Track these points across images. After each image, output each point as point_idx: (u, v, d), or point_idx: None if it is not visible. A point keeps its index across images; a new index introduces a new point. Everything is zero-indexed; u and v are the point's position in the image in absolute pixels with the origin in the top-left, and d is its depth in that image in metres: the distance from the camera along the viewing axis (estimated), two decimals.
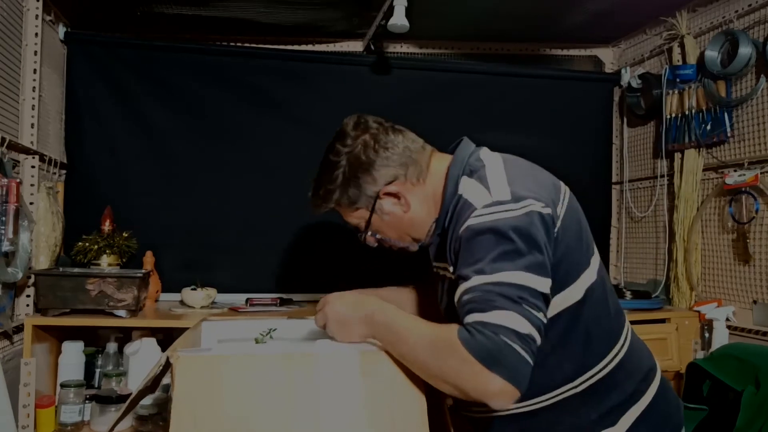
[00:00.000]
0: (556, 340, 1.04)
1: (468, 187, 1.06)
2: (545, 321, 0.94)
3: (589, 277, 1.07)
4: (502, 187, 1.02)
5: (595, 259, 1.10)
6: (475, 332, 0.89)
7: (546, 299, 0.96)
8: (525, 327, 0.89)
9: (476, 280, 0.94)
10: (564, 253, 1.02)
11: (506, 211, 0.98)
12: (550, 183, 1.08)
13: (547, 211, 1.00)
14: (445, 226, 1.11)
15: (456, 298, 0.97)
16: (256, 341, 1.26)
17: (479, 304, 0.91)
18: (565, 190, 1.10)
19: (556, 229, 1.01)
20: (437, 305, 1.20)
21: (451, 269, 1.06)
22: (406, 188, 1.14)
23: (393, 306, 1.05)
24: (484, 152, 1.15)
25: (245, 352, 0.99)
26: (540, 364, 1.01)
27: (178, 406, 0.90)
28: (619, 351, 1.11)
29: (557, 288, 1.01)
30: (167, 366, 0.93)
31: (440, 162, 1.17)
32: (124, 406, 1.04)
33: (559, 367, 1.06)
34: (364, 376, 0.95)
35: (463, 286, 0.96)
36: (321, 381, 0.94)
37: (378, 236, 1.20)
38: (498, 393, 0.87)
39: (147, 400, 1.73)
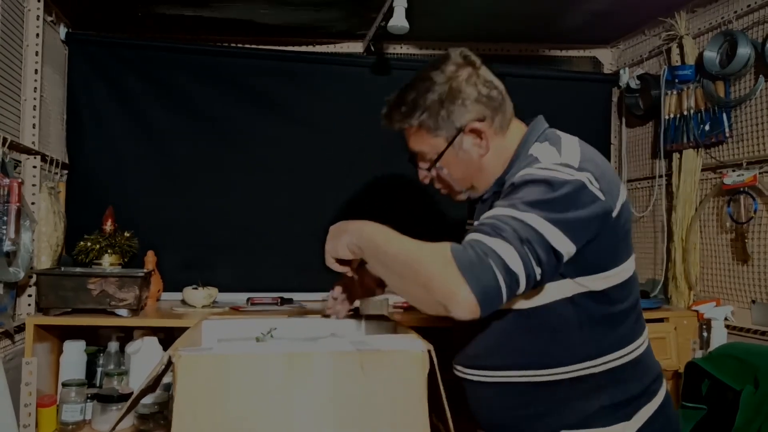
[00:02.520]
0: (586, 316, 1.06)
1: (540, 149, 1.09)
2: (539, 278, 0.95)
3: (630, 267, 1.10)
4: (574, 155, 1.04)
5: (632, 257, 1.14)
6: (468, 247, 0.92)
7: (558, 258, 0.96)
8: (516, 265, 0.91)
9: (503, 211, 0.96)
10: (616, 239, 1.06)
11: (568, 173, 0.99)
12: (613, 175, 1.09)
13: (600, 195, 1.01)
14: (504, 180, 1.12)
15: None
16: (257, 340, 1.27)
17: (490, 228, 0.94)
18: (623, 187, 1.11)
19: (614, 214, 1.03)
20: None
21: None
22: (490, 132, 1.14)
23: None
24: (558, 131, 1.17)
25: (246, 351, 1.00)
26: (564, 337, 1.07)
27: (180, 405, 0.90)
28: (641, 344, 1.13)
29: (606, 265, 1.05)
30: (169, 365, 0.94)
31: (518, 125, 1.20)
32: (125, 405, 1.05)
33: (583, 344, 1.07)
34: (365, 376, 0.96)
35: (489, 212, 0.98)
36: (322, 380, 0.95)
37: (444, 171, 1.17)
38: (461, 301, 0.89)
39: (148, 399, 1.74)
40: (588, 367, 1.07)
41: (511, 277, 0.91)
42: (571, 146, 1.07)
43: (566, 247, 0.97)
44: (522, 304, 1.07)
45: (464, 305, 0.90)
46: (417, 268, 0.95)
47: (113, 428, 1.16)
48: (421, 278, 0.94)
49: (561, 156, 1.04)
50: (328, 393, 0.94)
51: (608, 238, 1.04)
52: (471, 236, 0.95)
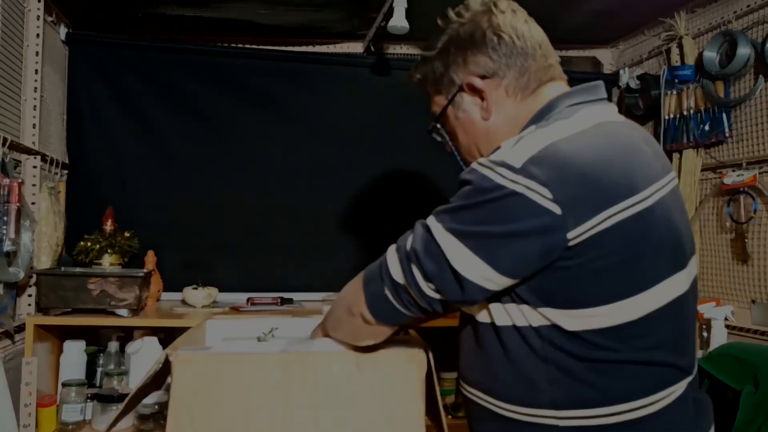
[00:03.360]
0: (555, 353, 0.83)
1: (522, 133, 0.87)
2: (435, 295, 0.83)
3: (634, 309, 0.82)
4: (527, 149, 0.80)
5: (654, 292, 0.82)
6: (379, 260, 0.92)
7: (461, 283, 0.80)
8: (399, 277, 0.86)
9: (429, 218, 0.86)
10: (589, 269, 0.79)
11: (499, 175, 0.79)
12: (606, 184, 0.79)
13: (551, 206, 0.76)
14: None
15: None
16: (259, 340, 1.28)
17: (403, 237, 0.89)
18: (632, 201, 0.80)
19: (574, 234, 0.77)
20: None
21: None
22: (496, 93, 0.94)
23: None
24: (592, 109, 0.90)
25: (243, 350, 1.00)
26: (524, 370, 0.85)
27: (176, 404, 0.91)
28: (644, 406, 0.83)
29: (579, 302, 0.81)
30: (167, 364, 0.94)
31: (551, 92, 0.95)
32: (122, 404, 1.05)
33: (548, 385, 0.83)
34: (363, 376, 0.96)
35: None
36: (320, 380, 0.95)
37: (443, 133, 1.04)
38: (364, 311, 0.91)
39: (149, 399, 1.74)
40: (551, 417, 0.83)
41: (396, 287, 0.86)
42: (542, 136, 0.81)
43: (476, 271, 0.79)
44: (483, 317, 0.89)
45: (365, 315, 0.91)
46: (343, 301, 0.97)
47: (111, 428, 1.16)
48: (347, 307, 0.95)
49: (512, 148, 0.81)
50: (325, 393, 0.94)
51: (574, 266, 0.79)
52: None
